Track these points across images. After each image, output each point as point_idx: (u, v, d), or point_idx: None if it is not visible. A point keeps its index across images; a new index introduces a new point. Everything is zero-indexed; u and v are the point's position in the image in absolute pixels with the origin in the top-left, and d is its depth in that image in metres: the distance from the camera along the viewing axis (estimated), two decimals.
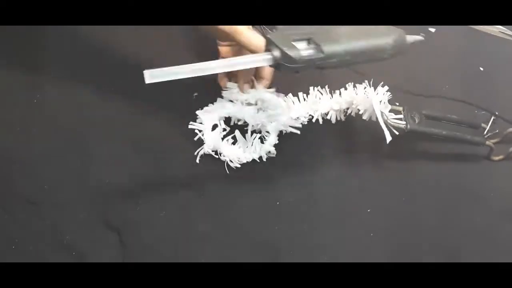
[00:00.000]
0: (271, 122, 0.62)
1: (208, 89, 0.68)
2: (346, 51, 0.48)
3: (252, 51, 0.54)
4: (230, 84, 0.64)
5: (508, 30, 0.79)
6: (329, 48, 0.48)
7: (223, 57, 0.63)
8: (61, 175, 0.61)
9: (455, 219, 0.61)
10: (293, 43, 0.48)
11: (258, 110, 0.64)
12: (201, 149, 0.62)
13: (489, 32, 0.80)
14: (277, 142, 0.62)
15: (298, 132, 0.62)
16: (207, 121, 0.63)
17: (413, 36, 0.55)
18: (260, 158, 0.62)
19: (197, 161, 0.62)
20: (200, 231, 0.58)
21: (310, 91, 0.65)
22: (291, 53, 0.46)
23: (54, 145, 0.64)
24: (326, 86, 0.65)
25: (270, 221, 0.59)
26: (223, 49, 0.63)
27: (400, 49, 0.52)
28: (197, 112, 0.64)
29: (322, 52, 0.48)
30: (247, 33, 0.54)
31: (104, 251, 0.56)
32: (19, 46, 0.73)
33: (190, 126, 0.63)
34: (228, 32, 0.55)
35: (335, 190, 0.62)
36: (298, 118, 0.64)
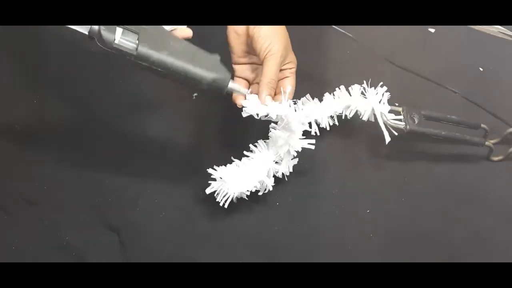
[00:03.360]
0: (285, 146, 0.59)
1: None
2: (159, 62, 0.50)
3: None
4: (249, 97, 0.57)
5: (508, 31, 0.79)
6: (144, 50, 0.49)
7: (238, 76, 0.61)
8: (61, 176, 0.61)
9: (454, 219, 0.61)
10: (119, 29, 0.49)
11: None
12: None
13: (488, 32, 0.80)
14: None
15: (313, 147, 0.59)
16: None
17: (238, 86, 0.56)
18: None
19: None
20: (200, 231, 0.58)
21: (302, 100, 0.64)
22: (105, 34, 0.48)
23: (54, 146, 0.64)
24: (308, 95, 0.64)
25: (269, 221, 0.59)
26: (238, 67, 0.62)
27: (217, 89, 0.54)
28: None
29: (135, 50, 0.49)
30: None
31: (104, 251, 0.56)
32: (19, 46, 0.73)
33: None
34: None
35: (335, 190, 0.62)
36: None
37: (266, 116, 0.56)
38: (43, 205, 0.59)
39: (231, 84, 0.55)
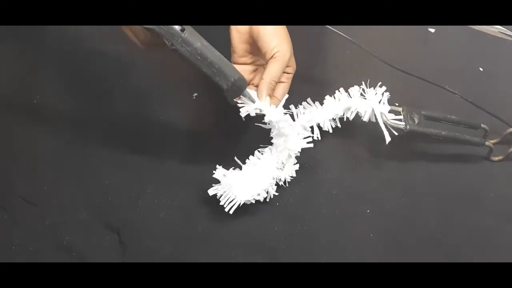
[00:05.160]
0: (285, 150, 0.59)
1: (207, 90, 0.68)
2: (201, 50, 0.52)
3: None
4: (250, 91, 0.58)
5: (508, 30, 0.79)
6: (191, 36, 0.52)
7: None
8: (61, 176, 0.61)
9: (454, 219, 0.61)
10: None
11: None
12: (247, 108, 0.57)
13: (488, 32, 0.80)
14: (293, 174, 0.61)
15: (311, 145, 0.60)
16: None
17: (253, 92, 0.57)
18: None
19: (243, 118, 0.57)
20: (200, 231, 0.58)
21: (303, 105, 0.64)
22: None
23: (54, 146, 0.64)
24: (309, 99, 0.64)
25: (270, 221, 0.59)
26: (237, 67, 0.60)
27: (236, 89, 0.55)
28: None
29: (183, 34, 0.51)
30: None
31: (104, 251, 0.56)
32: (19, 46, 0.73)
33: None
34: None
35: (335, 190, 0.62)
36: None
37: (259, 113, 0.57)
38: (43, 205, 0.59)
39: (247, 89, 0.57)
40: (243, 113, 0.57)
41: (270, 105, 0.57)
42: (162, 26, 0.51)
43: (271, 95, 0.58)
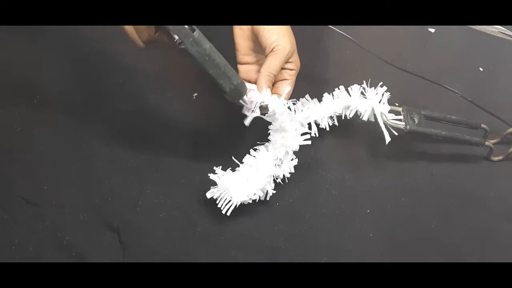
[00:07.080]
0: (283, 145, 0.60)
1: (208, 90, 0.68)
2: (209, 51, 0.54)
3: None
4: (251, 86, 0.59)
5: (508, 31, 0.79)
6: (201, 36, 0.53)
7: (242, 77, 0.60)
8: (61, 176, 0.61)
9: (454, 219, 0.61)
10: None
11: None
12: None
13: (488, 32, 0.80)
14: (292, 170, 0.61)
15: (309, 142, 0.60)
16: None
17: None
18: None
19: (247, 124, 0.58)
20: (200, 231, 0.58)
21: (301, 100, 0.64)
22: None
23: (54, 146, 0.64)
24: (307, 95, 0.65)
25: (270, 221, 0.59)
26: (243, 67, 0.62)
27: (237, 93, 0.56)
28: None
29: (195, 34, 0.53)
30: None
31: (104, 251, 0.56)
32: (19, 46, 0.73)
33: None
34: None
35: (335, 190, 0.62)
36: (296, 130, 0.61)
37: (261, 106, 0.57)
38: (43, 205, 0.59)
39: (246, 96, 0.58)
40: (247, 121, 0.58)
41: (272, 95, 0.58)
42: (175, 26, 0.51)
43: (271, 89, 0.58)
